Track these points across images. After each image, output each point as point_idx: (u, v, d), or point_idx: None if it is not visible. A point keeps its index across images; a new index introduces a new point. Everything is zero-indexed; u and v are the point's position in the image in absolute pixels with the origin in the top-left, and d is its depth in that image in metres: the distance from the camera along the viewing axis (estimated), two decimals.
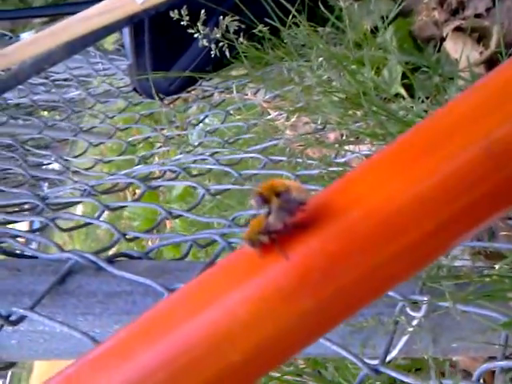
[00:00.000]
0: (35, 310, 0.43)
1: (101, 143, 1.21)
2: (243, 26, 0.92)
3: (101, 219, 0.66)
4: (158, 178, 0.90)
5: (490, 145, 0.22)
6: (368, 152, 0.77)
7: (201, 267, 0.50)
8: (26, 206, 0.82)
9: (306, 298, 0.21)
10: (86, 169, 1.00)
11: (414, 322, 0.48)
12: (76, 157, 1.10)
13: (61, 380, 0.21)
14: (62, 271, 0.48)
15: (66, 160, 1.08)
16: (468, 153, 0.22)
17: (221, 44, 0.94)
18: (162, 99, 1.19)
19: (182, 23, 0.92)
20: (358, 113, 0.76)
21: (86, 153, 1.13)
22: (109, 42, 1.88)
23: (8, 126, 1.40)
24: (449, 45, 0.82)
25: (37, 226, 0.68)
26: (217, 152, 0.91)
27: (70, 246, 3.14)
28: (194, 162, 0.88)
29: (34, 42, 1.14)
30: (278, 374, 0.64)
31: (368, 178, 0.23)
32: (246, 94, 1.05)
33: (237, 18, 0.89)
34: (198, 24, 0.92)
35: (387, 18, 0.85)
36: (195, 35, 0.95)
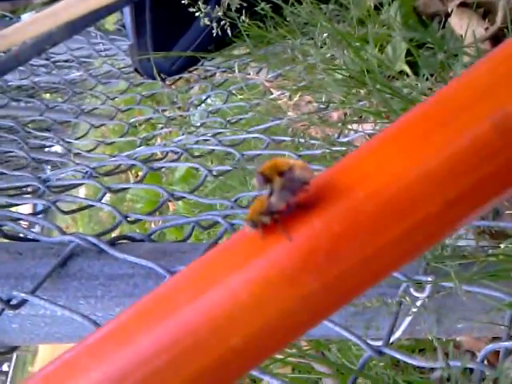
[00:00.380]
0: (36, 294, 0.43)
1: (102, 125, 1.20)
2: (245, 4, 0.91)
3: (103, 202, 0.66)
4: (160, 159, 0.90)
5: (498, 121, 0.21)
6: (372, 131, 0.76)
7: (203, 249, 0.50)
8: (29, 189, 0.82)
9: (310, 280, 0.21)
10: (88, 151, 1.00)
11: (418, 303, 0.48)
12: (78, 139, 1.09)
13: (59, 365, 0.20)
14: (64, 254, 0.48)
15: (68, 142, 1.07)
16: (476, 129, 0.21)
17: (222, 22, 0.93)
18: (163, 80, 1.18)
19: (183, 2, 0.91)
20: (362, 91, 0.75)
21: (87, 135, 1.13)
22: (110, 22, 1.86)
23: (9, 108, 1.39)
24: (454, 21, 0.80)
25: (40, 208, 0.68)
26: (219, 133, 0.90)
27: (73, 228, 3.15)
28: (196, 142, 0.88)
29: (34, 22, 1.13)
30: (281, 356, 0.63)
31: (373, 157, 0.22)
32: (249, 74, 1.04)
33: None
34: (199, 2, 0.91)
35: None
36: (196, 14, 0.94)
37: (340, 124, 0.81)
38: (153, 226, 1.57)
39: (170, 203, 1.67)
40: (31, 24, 1.13)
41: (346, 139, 0.76)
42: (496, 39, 0.77)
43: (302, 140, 0.75)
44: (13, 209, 0.68)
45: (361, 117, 0.81)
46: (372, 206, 0.21)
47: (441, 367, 0.40)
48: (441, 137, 0.21)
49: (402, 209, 0.21)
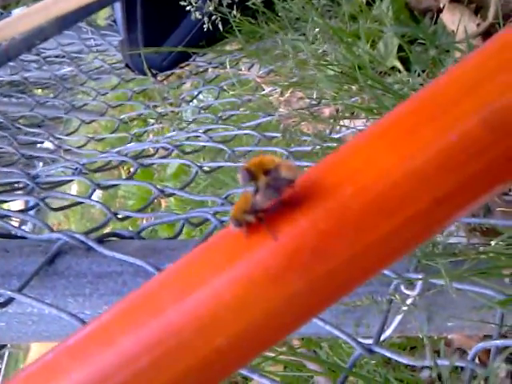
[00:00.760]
0: (23, 292, 0.43)
1: (93, 121, 1.19)
2: None
3: (95, 199, 0.65)
4: (152, 155, 0.89)
5: (487, 116, 0.21)
6: (363, 127, 0.76)
7: (192, 246, 0.49)
8: (21, 186, 0.81)
9: (296, 279, 0.20)
10: (79, 147, 0.99)
11: (409, 301, 0.48)
12: (68, 135, 1.09)
13: (40, 366, 0.20)
14: (51, 252, 0.48)
15: (59, 138, 1.06)
16: (464, 125, 0.20)
17: (214, 17, 0.92)
18: (154, 75, 1.17)
19: None
20: (354, 87, 0.74)
21: (78, 131, 1.12)
22: (101, 18, 1.85)
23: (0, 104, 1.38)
24: (446, 16, 0.80)
25: (31, 205, 0.67)
26: (210, 129, 0.90)
27: (65, 225, 3.13)
28: (188, 139, 0.87)
29: (24, 17, 1.12)
30: (272, 354, 0.63)
31: (360, 153, 0.22)
32: (240, 69, 1.03)
33: None
34: None
35: None
36: (187, 8, 0.93)
37: (331, 120, 0.81)
38: (145, 222, 1.57)
39: (161, 200, 1.67)
40: (21, 19, 1.12)
41: (337, 135, 0.75)
42: (488, 35, 0.76)
43: (293, 136, 0.74)
44: (4, 205, 0.68)
45: (352, 113, 0.81)
46: (359, 203, 0.20)
47: (430, 366, 0.40)
48: (429, 133, 0.21)
49: (389, 206, 0.21)
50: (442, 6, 0.81)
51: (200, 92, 1.12)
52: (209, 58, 1.19)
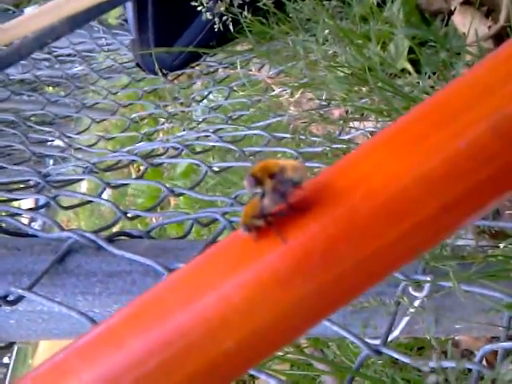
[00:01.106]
0: (33, 291, 0.43)
1: (103, 120, 1.20)
2: (247, 0, 0.91)
3: (105, 197, 0.66)
4: (162, 154, 0.89)
5: (497, 123, 0.21)
6: (373, 129, 0.76)
7: (201, 246, 0.49)
8: (32, 183, 0.81)
9: (304, 283, 0.20)
10: (89, 146, 0.99)
11: (417, 303, 0.48)
12: (79, 133, 1.09)
13: (49, 367, 0.20)
14: (62, 250, 0.48)
15: (69, 137, 1.07)
16: (474, 132, 0.21)
17: (224, 18, 0.93)
18: (165, 75, 1.18)
19: None
20: (364, 89, 0.74)
21: (89, 129, 1.13)
22: (112, 17, 1.86)
23: (11, 101, 1.39)
24: (457, 18, 0.80)
25: (42, 202, 0.68)
26: (220, 129, 0.90)
27: (75, 222, 3.15)
28: (197, 138, 0.87)
29: (36, 16, 1.13)
30: (279, 353, 0.63)
31: (370, 158, 0.22)
32: (251, 70, 1.03)
33: None
34: None
35: None
36: (198, 9, 0.93)
37: (341, 121, 0.81)
38: (154, 220, 1.57)
39: (171, 198, 1.67)
40: (34, 18, 1.13)
41: (347, 137, 0.75)
42: (499, 38, 0.76)
43: (302, 137, 0.74)
44: (15, 204, 0.68)
45: (362, 114, 0.81)
46: (368, 208, 0.21)
47: (436, 369, 0.40)
48: (438, 139, 0.21)
49: (398, 212, 0.21)
50: (453, 8, 0.81)
51: (210, 92, 1.13)
52: (219, 58, 1.19)
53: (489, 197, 0.21)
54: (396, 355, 0.42)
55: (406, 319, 0.48)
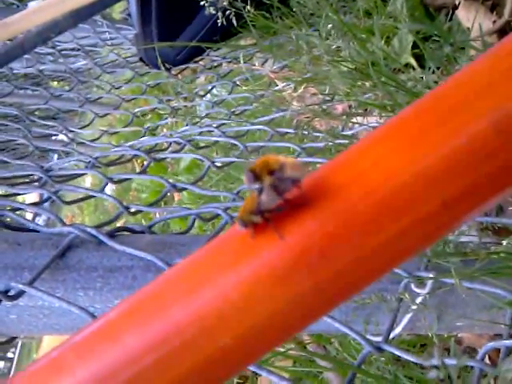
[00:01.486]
0: (34, 286, 0.43)
1: (107, 114, 1.19)
2: None
3: (109, 191, 0.66)
4: (165, 149, 0.89)
5: (498, 119, 0.21)
6: (376, 124, 0.75)
7: (203, 241, 0.49)
8: (35, 178, 0.81)
9: (302, 280, 0.20)
10: (92, 140, 0.99)
11: (419, 299, 0.47)
12: (82, 128, 1.09)
13: (45, 363, 0.20)
14: (63, 245, 0.48)
15: (72, 131, 1.07)
16: (474, 128, 0.20)
17: (228, 12, 0.92)
18: (168, 69, 1.18)
19: None
20: (367, 84, 0.74)
21: (92, 124, 1.12)
22: (116, 11, 1.85)
23: (15, 96, 1.39)
24: (461, 13, 0.79)
25: (45, 198, 0.67)
26: (223, 124, 0.90)
27: (79, 217, 3.16)
28: (200, 133, 0.87)
29: (39, 10, 1.13)
30: (281, 349, 0.63)
31: (369, 153, 0.22)
32: (254, 65, 1.03)
33: None
34: None
35: None
36: (202, 3, 0.93)
37: (344, 116, 0.80)
38: (157, 215, 1.57)
39: (175, 193, 1.67)
40: (37, 12, 1.13)
41: (350, 132, 0.75)
42: (503, 32, 0.76)
43: (305, 132, 0.74)
44: (20, 198, 0.68)
45: (366, 109, 0.80)
46: (366, 204, 0.20)
47: (437, 367, 0.40)
48: (438, 134, 0.21)
49: (396, 208, 0.20)
50: (457, 2, 0.81)
51: (214, 87, 1.12)
52: (223, 52, 1.19)
53: (489, 193, 0.21)
54: (398, 352, 0.42)
55: (408, 316, 0.48)
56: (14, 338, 0.49)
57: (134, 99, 1.20)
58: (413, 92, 0.66)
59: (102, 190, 0.66)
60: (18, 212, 0.58)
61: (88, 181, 2.69)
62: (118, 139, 1.65)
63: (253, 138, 1.01)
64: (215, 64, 1.20)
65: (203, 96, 1.12)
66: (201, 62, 1.23)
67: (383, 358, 0.65)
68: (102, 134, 1.02)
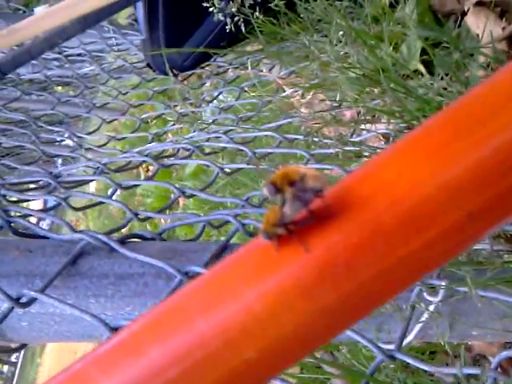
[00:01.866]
0: (46, 293, 0.43)
1: (113, 120, 1.19)
2: (259, 0, 0.91)
3: (114, 196, 0.65)
4: (172, 155, 0.89)
5: None
6: (385, 130, 0.75)
7: (214, 249, 0.49)
8: (41, 183, 0.81)
9: (327, 292, 0.20)
10: (99, 146, 0.99)
11: (431, 307, 0.47)
12: (89, 134, 1.09)
13: (68, 376, 0.20)
14: (74, 252, 0.48)
15: (79, 137, 1.07)
16: (501, 138, 0.20)
17: (236, 19, 0.92)
18: (175, 75, 1.18)
19: None
20: (376, 90, 0.74)
21: (99, 129, 1.12)
22: (122, 17, 1.86)
23: (21, 101, 1.39)
24: (470, 19, 0.79)
25: (51, 204, 0.67)
26: (231, 130, 0.90)
27: (83, 222, 3.16)
28: (208, 139, 0.87)
29: (47, 16, 1.13)
30: None
31: (393, 165, 0.22)
32: (261, 70, 1.03)
33: None
34: None
35: None
36: (210, 9, 0.93)
37: (353, 123, 0.80)
38: (163, 221, 1.57)
39: (180, 199, 1.67)
40: (44, 18, 1.13)
41: (358, 138, 0.75)
42: None
43: (314, 139, 0.74)
44: (23, 204, 0.68)
45: (374, 116, 0.80)
46: (391, 216, 0.20)
47: (454, 374, 0.40)
48: (463, 145, 0.21)
49: (422, 220, 0.20)
50: (466, 9, 0.80)
51: (220, 92, 1.12)
52: (230, 58, 1.19)
53: None
54: (411, 361, 0.42)
55: (420, 324, 0.48)
56: (24, 345, 0.49)
57: (140, 105, 1.20)
58: (422, 98, 0.66)
59: (110, 197, 0.65)
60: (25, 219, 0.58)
61: (92, 186, 2.69)
62: (123, 145, 1.65)
63: (260, 144, 1.00)
64: (222, 70, 1.20)
65: (210, 102, 1.12)
66: (207, 68, 1.23)
67: (392, 366, 0.64)
68: (109, 139, 1.02)
